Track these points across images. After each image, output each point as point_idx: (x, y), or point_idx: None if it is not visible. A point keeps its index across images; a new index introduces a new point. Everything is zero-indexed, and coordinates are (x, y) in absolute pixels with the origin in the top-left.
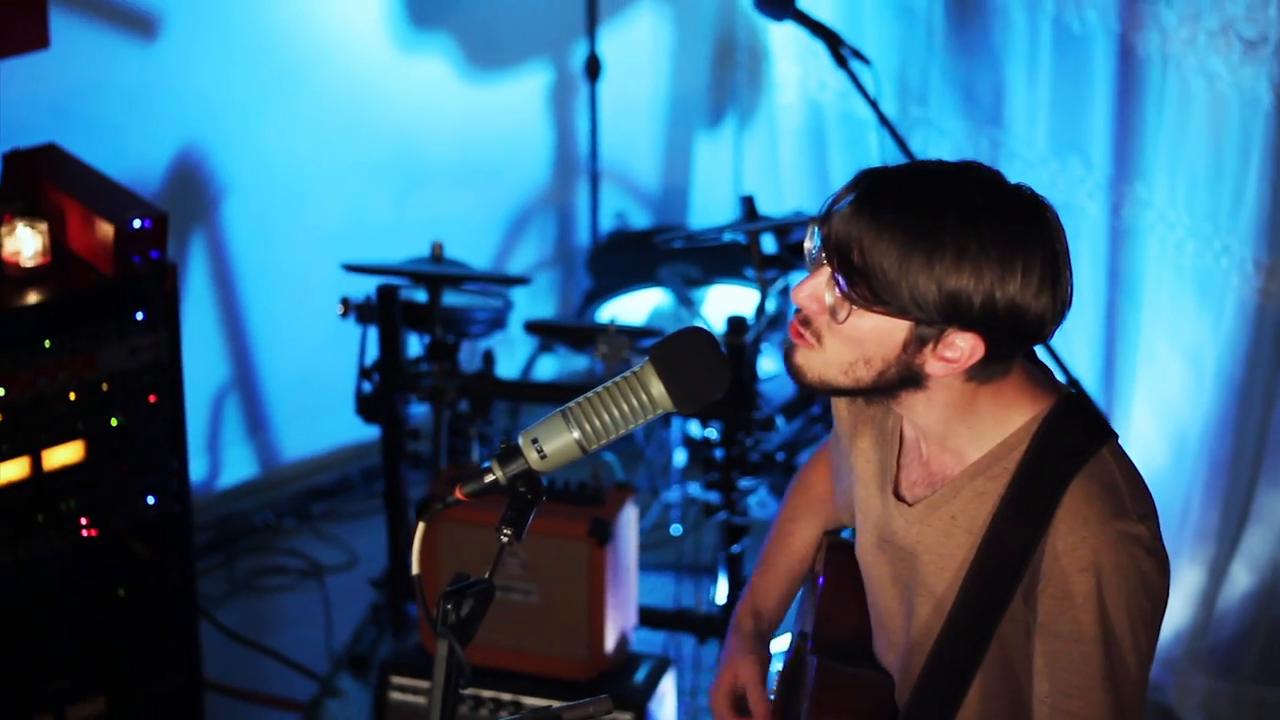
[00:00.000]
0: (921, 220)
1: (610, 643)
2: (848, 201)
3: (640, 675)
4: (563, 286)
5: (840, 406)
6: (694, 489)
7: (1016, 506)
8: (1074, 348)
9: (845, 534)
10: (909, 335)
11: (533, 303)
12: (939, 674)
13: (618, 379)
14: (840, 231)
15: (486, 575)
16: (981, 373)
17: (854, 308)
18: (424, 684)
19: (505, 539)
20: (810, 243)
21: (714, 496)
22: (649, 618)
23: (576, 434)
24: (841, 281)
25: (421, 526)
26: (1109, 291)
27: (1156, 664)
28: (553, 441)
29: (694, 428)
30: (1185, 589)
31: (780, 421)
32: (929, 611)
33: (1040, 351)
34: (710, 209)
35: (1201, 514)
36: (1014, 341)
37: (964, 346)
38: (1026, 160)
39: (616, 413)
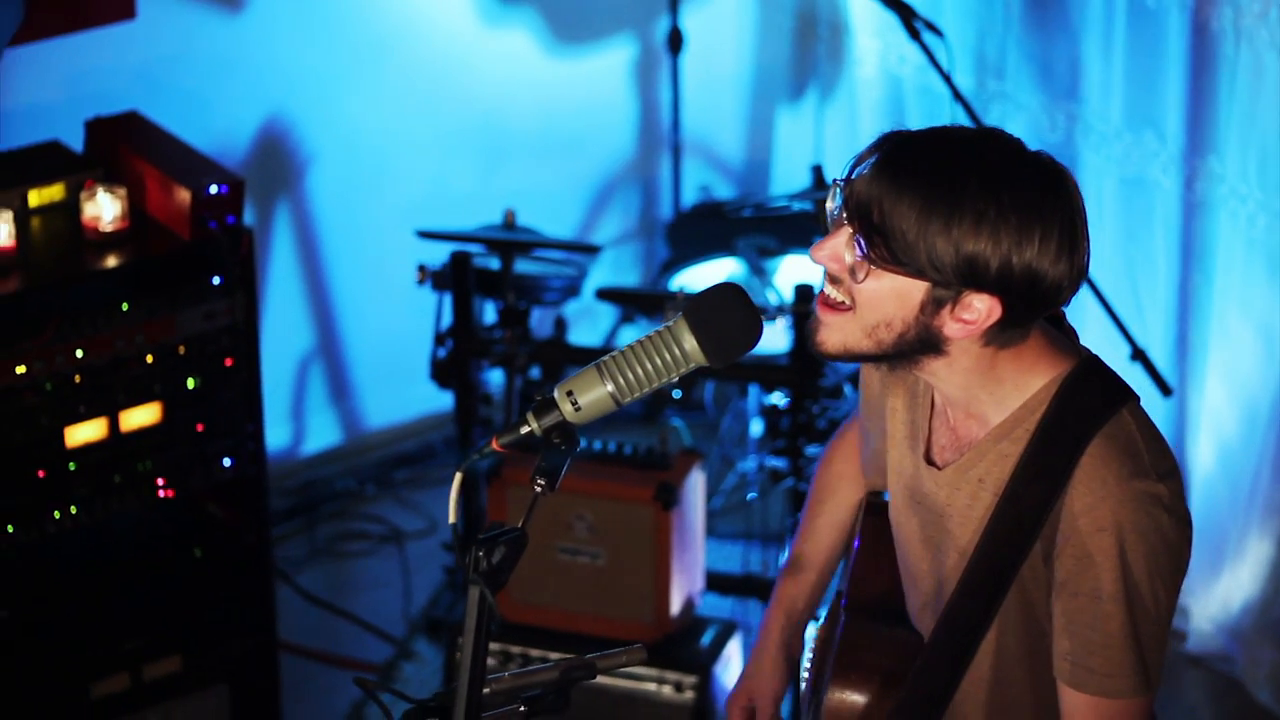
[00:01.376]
0: (941, 183)
1: (676, 606)
2: (870, 163)
3: (706, 639)
4: (645, 258)
5: (870, 367)
6: (770, 458)
7: (1034, 466)
8: (1147, 320)
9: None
10: (926, 296)
11: (617, 273)
12: (954, 627)
13: (651, 333)
14: (861, 192)
15: (520, 524)
16: (1000, 336)
17: (872, 268)
18: (495, 646)
19: (539, 489)
20: (832, 203)
21: (781, 463)
22: (717, 583)
23: (610, 387)
24: (861, 242)
25: (459, 477)
26: (1181, 265)
27: (1224, 635)
28: (587, 394)
29: (773, 398)
30: (1255, 561)
31: (848, 389)
32: (962, 568)
33: (1105, 322)
34: (791, 182)
35: (1271, 486)
36: (1031, 306)
37: (981, 308)
38: (1101, 134)
39: (650, 366)
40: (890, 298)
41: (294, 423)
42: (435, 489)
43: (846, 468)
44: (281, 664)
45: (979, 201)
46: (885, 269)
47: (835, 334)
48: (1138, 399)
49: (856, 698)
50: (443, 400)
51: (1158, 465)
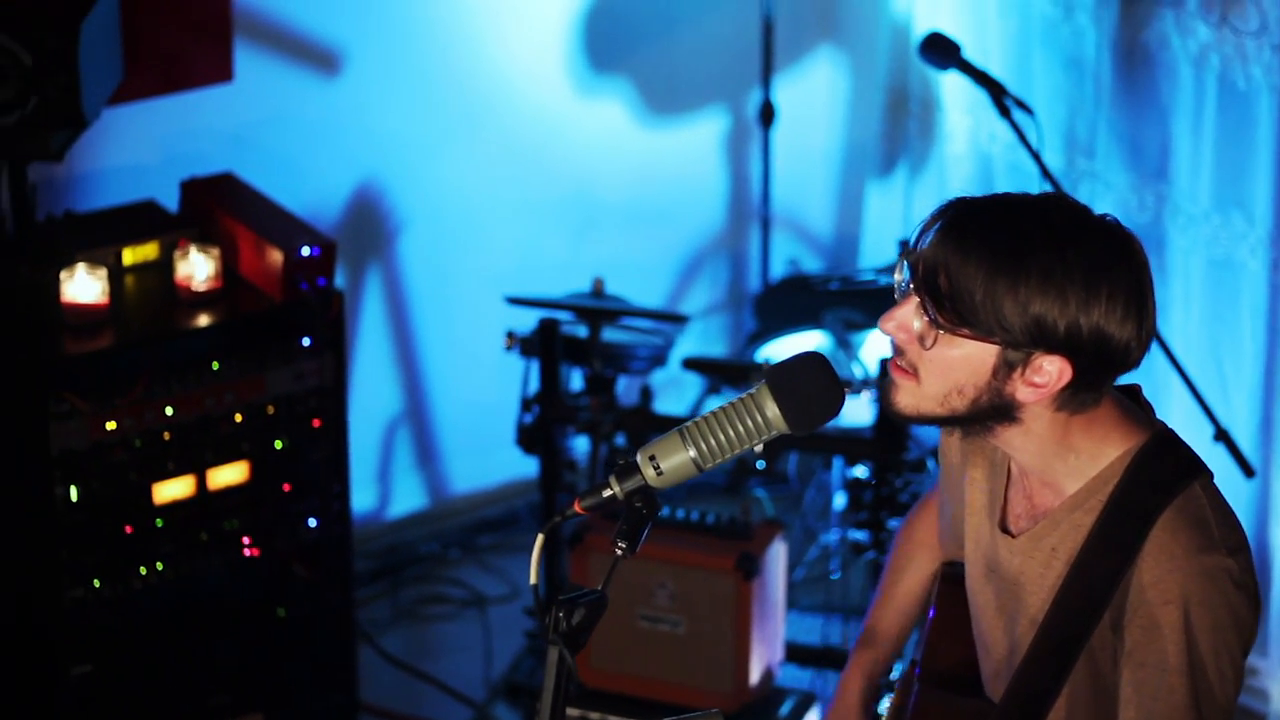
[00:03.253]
0: (1007, 245)
1: (755, 676)
2: (935, 230)
3: (784, 710)
4: (733, 329)
5: (952, 447)
6: (853, 531)
7: (1105, 537)
8: (1232, 401)
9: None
10: (998, 360)
11: (704, 344)
12: (1023, 695)
13: (734, 400)
14: (927, 258)
15: (600, 587)
16: (1071, 402)
17: (941, 333)
18: (573, 713)
19: (619, 551)
20: (899, 274)
21: (864, 536)
22: (796, 654)
23: (693, 452)
24: (929, 307)
25: (540, 539)
26: (1267, 346)
27: None
28: (669, 459)
29: (858, 470)
30: None
31: (931, 463)
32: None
33: (1189, 402)
34: (880, 256)
35: None
36: (1101, 368)
37: (1052, 371)
38: (1190, 215)
39: (732, 432)
40: (960, 364)
41: (380, 486)
42: (518, 555)
43: (925, 537)
44: None
45: (1045, 261)
46: (954, 334)
47: (908, 397)
48: (1210, 474)
49: None
50: (528, 466)
51: (1227, 540)
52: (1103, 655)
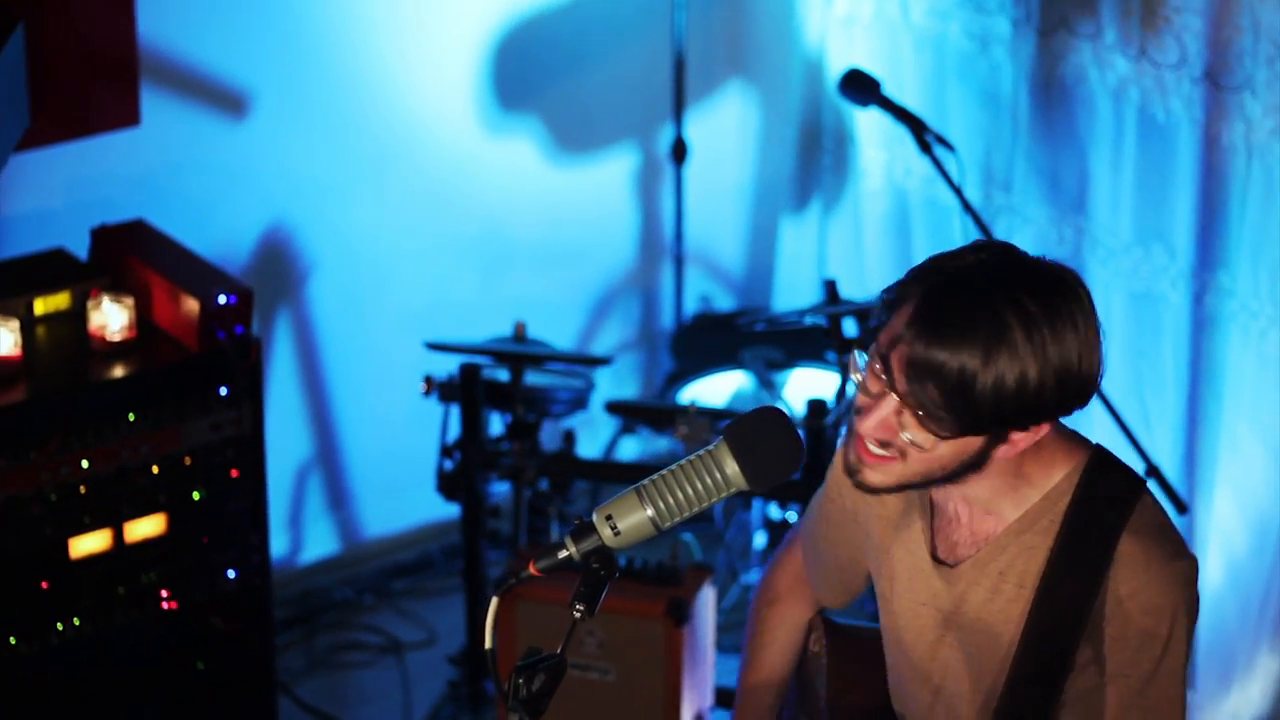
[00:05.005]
0: (991, 342)
1: None
2: (909, 337)
3: None
4: (646, 368)
5: (845, 487)
6: None
7: (1069, 557)
8: (1155, 436)
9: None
10: (988, 438)
11: (616, 384)
12: None
13: (692, 457)
14: (911, 366)
15: (559, 650)
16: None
17: (935, 439)
18: None
19: (578, 614)
20: (861, 374)
21: None
22: (726, 699)
23: (650, 511)
24: (927, 423)
25: (495, 601)
26: (1190, 379)
27: None
28: (627, 519)
29: (774, 510)
30: (1264, 678)
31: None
32: (981, 669)
33: (1119, 437)
34: (794, 293)
35: None
36: (1071, 408)
37: (1038, 430)
38: (1110, 248)
39: (690, 491)
40: (950, 452)
41: (291, 531)
42: (434, 599)
43: (788, 591)
44: None
45: (1030, 349)
46: (953, 438)
47: (887, 477)
48: (1146, 483)
49: None
50: (441, 510)
51: (1181, 543)
52: (1082, 674)
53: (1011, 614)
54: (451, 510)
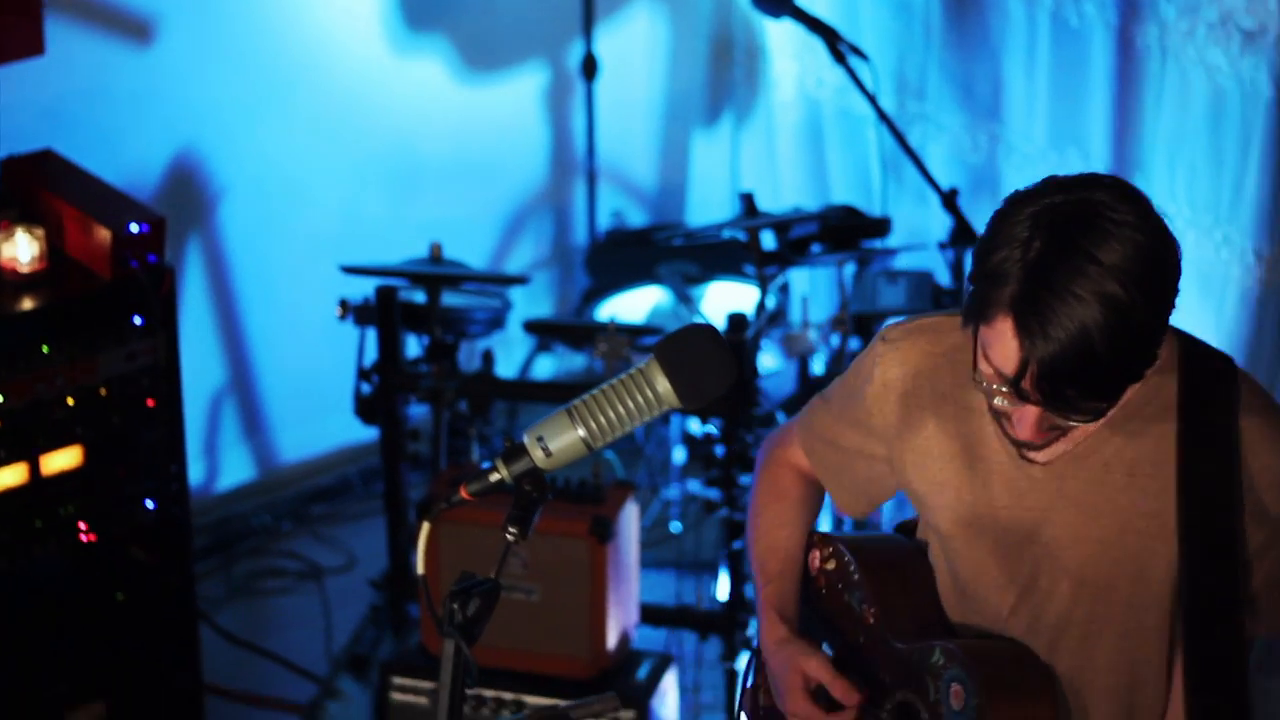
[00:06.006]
0: (1100, 332)
1: (612, 640)
2: (1023, 361)
3: (642, 673)
4: (560, 286)
5: (887, 405)
6: (694, 486)
7: (1198, 443)
8: None
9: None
10: None
11: (531, 302)
12: (1207, 613)
13: (622, 376)
14: (1047, 394)
15: (492, 575)
16: None
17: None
18: (425, 684)
19: (511, 538)
20: (1020, 398)
21: (715, 493)
22: (650, 615)
23: (582, 431)
24: (1075, 418)
25: (426, 527)
26: None
27: None
28: (558, 439)
29: (694, 425)
30: None
31: (780, 417)
32: (1085, 565)
33: None
34: (707, 207)
35: None
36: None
37: None
38: (1025, 154)
39: (622, 410)
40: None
41: (208, 459)
42: (352, 524)
43: (796, 490)
44: (206, 706)
45: (1136, 311)
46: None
47: (1053, 451)
48: (1232, 358)
49: (1019, 708)
50: (358, 433)
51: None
52: (1262, 560)
53: (1124, 503)
54: (369, 434)
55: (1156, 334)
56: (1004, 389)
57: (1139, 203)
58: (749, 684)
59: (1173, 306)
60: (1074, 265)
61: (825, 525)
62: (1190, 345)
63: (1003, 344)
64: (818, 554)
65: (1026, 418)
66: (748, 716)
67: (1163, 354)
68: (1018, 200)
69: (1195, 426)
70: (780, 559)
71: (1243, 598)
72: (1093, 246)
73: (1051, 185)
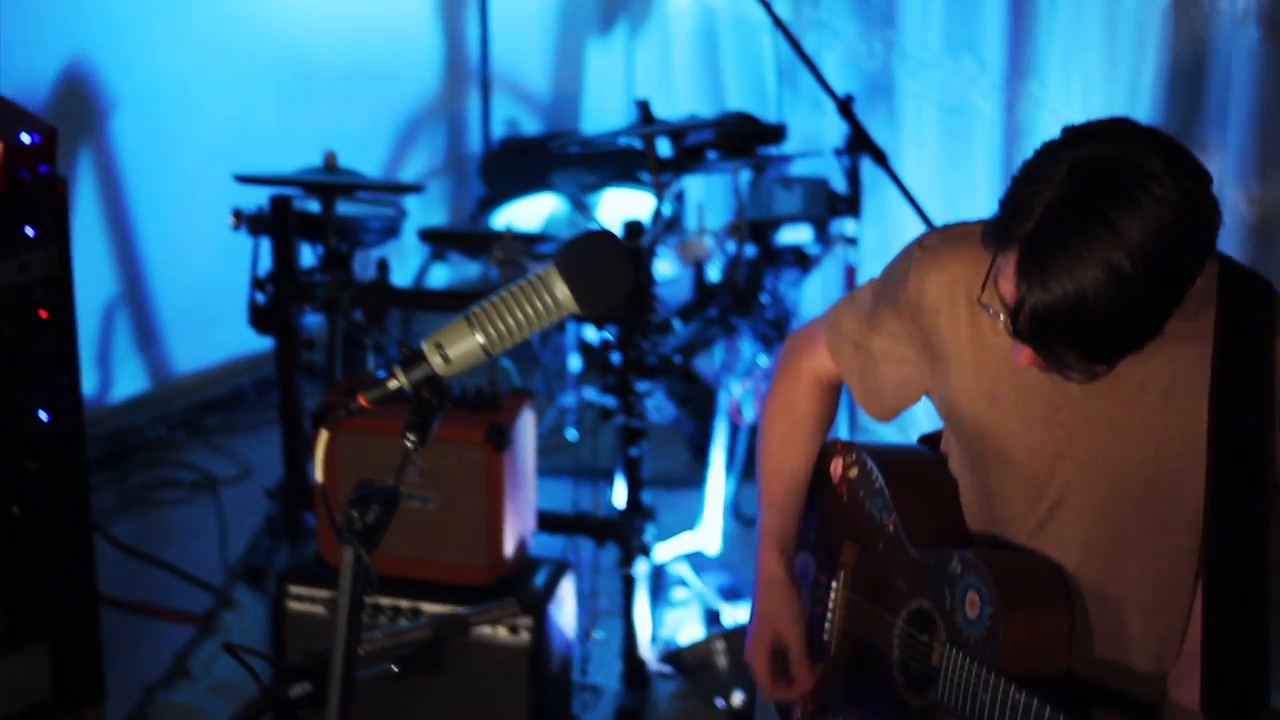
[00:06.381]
0: (1115, 321)
1: (509, 548)
2: (1022, 310)
3: (539, 580)
4: (455, 194)
5: (921, 312)
6: (590, 394)
7: (1234, 367)
8: None
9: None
10: None
11: (425, 211)
12: (1225, 538)
13: (521, 282)
14: (1046, 329)
15: (391, 482)
16: None
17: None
18: (322, 593)
19: (410, 445)
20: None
21: (611, 400)
22: (547, 522)
23: (480, 338)
24: (1082, 369)
25: (325, 434)
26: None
27: None
28: (457, 346)
29: (590, 332)
30: None
31: (677, 324)
32: (1116, 483)
33: None
34: (602, 114)
35: None
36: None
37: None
38: (920, 61)
39: (521, 316)
40: None
41: (101, 370)
42: (247, 434)
43: (809, 406)
44: (102, 618)
45: (1149, 316)
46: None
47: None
48: (1271, 283)
49: (1035, 618)
50: (252, 343)
51: None
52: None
53: (1159, 424)
54: (262, 343)
55: (1159, 312)
56: (1004, 319)
57: (1187, 176)
58: None
59: (1187, 287)
60: (1090, 227)
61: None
62: (1230, 268)
63: (1008, 276)
64: (840, 461)
65: (1023, 352)
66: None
67: (1202, 277)
68: (1071, 139)
69: (1231, 349)
70: (784, 483)
71: (1269, 520)
72: (1115, 213)
73: (1109, 132)
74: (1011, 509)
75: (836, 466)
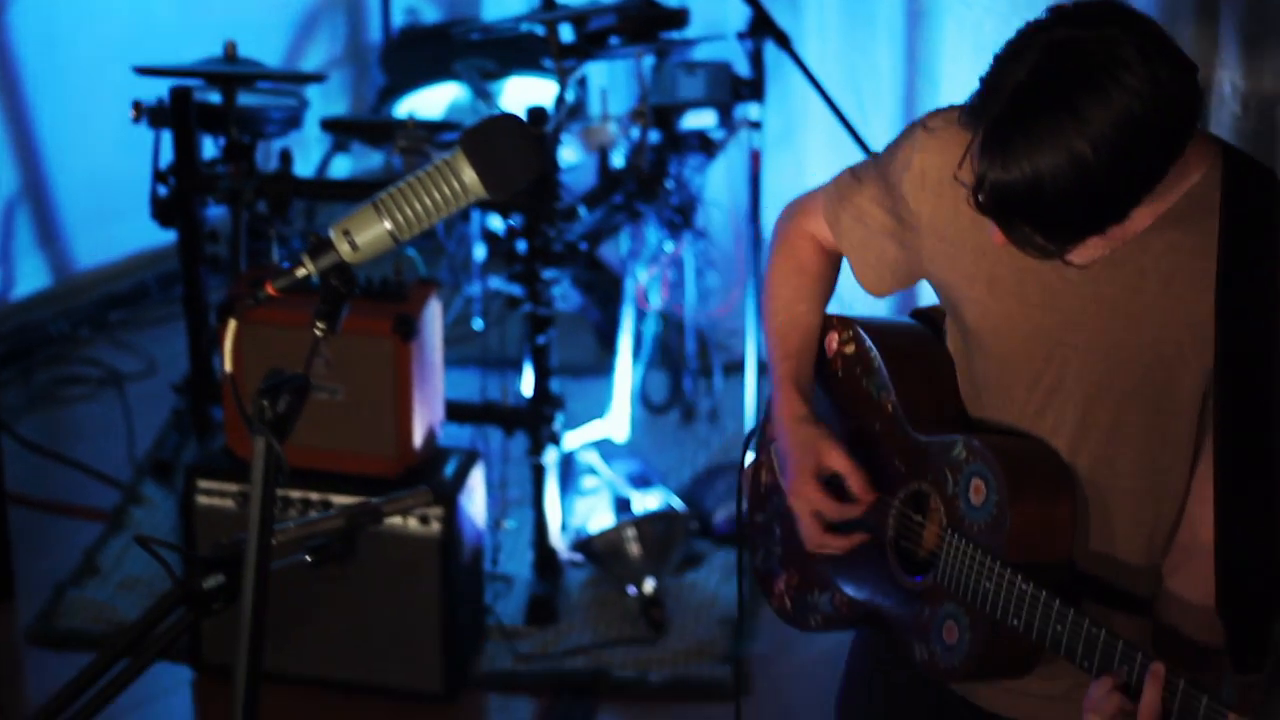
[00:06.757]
0: (1072, 206)
1: (418, 438)
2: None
3: (449, 470)
4: (356, 84)
5: (923, 193)
6: (496, 282)
7: (1239, 255)
8: (873, 129)
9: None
10: None
11: (327, 101)
12: (1234, 421)
13: (428, 168)
14: (1027, 240)
15: (301, 371)
16: None
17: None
18: (231, 486)
19: (320, 333)
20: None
21: (517, 289)
22: (455, 412)
23: (388, 224)
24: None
25: (234, 324)
26: (907, 71)
27: None
28: (365, 232)
29: (494, 221)
30: None
31: (582, 211)
32: (1114, 369)
33: (838, 130)
34: (502, 1)
35: None
36: (1186, 140)
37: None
38: None
39: (429, 201)
40: None
41: (2, 268)
42: (151, 329)
43: (814, 266)
44: (9, 516)
45: (1110, 203)
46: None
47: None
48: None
49: (1041, 508)
50: (155, 237)
51: None
52: None
53: (1159, 310)
54: (165, 237)
55: (1120, 200)
56: (968, 195)
57: (1163, 66)
58: (749, 462)
59: (1155, 177)
60: (1055, 112)
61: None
62: (1233, 155)
63: (975, 154)
64: (836, 336)
65: (996, 230)
66: (746, 495)
67: (1205, 165)
68: (1051, 19)
69: (1236, 237)
70: (801, 334)
71: (1277, 403)
72: (1082, 100)
73: (1089, 15)
74: (1008, 394)
75: (832, 341)
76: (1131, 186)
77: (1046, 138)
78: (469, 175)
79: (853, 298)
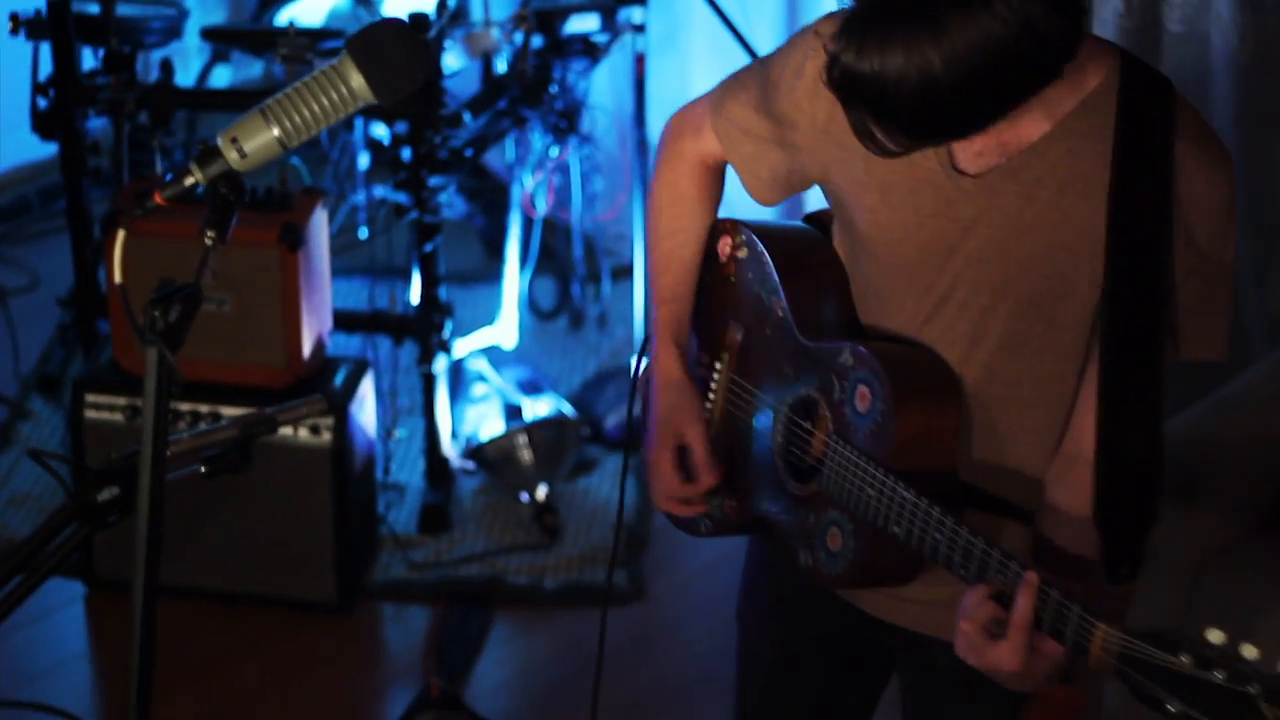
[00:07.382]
0: (914, 115)
1: (307, 348)
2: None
3: (339, 379)
4: None
5: (817, 100)
6: (381, 191)
7: (1133, 163)
8: (757, 31)
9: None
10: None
11: (206, 11)
12: (1122, 334)
13: (315, 74)
14: (869, 134)
15: (192, 281)
16: None
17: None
18: (119, 400)
19: (209, 242)
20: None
21: (403, 197)
22: (344, 321)
23: (277, 131)
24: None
25: (122, 234)
26: None
27: None
28: (253, 140)
29: (379, 129)
30: None
31: (467, 117)
32: (1008, 277)
33: (726, 38)
34: None
35: None
36: (1066, 57)
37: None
38: None
39: (316, 107)
40: None
41: None
42: (34, 243)
43: (694, 190)
44: None
45: (955, 119)
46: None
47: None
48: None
49: (926, 415)
50: (35, 150)
51: (1222, 141)
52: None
53: (1053, 219)
54: (48, 150)
55: (966, 119)
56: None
57: (1040, 2)
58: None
59: (1008, 103)
60: (916, 18)
61: None
62: (1132, 64)
63: (836, 29)
64: (729, 240)
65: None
66: (640, 404)
67: (1103, 72)
68: None
69: (1131, 146)
70: (675, 274)
71: (1164, 319)
72: (947, 14)
73: None
74: (899, 301)
75: (724, 245)
76: (979, 109)
77: (900, 41)
78: (356, 80)
79: (740, 200)
